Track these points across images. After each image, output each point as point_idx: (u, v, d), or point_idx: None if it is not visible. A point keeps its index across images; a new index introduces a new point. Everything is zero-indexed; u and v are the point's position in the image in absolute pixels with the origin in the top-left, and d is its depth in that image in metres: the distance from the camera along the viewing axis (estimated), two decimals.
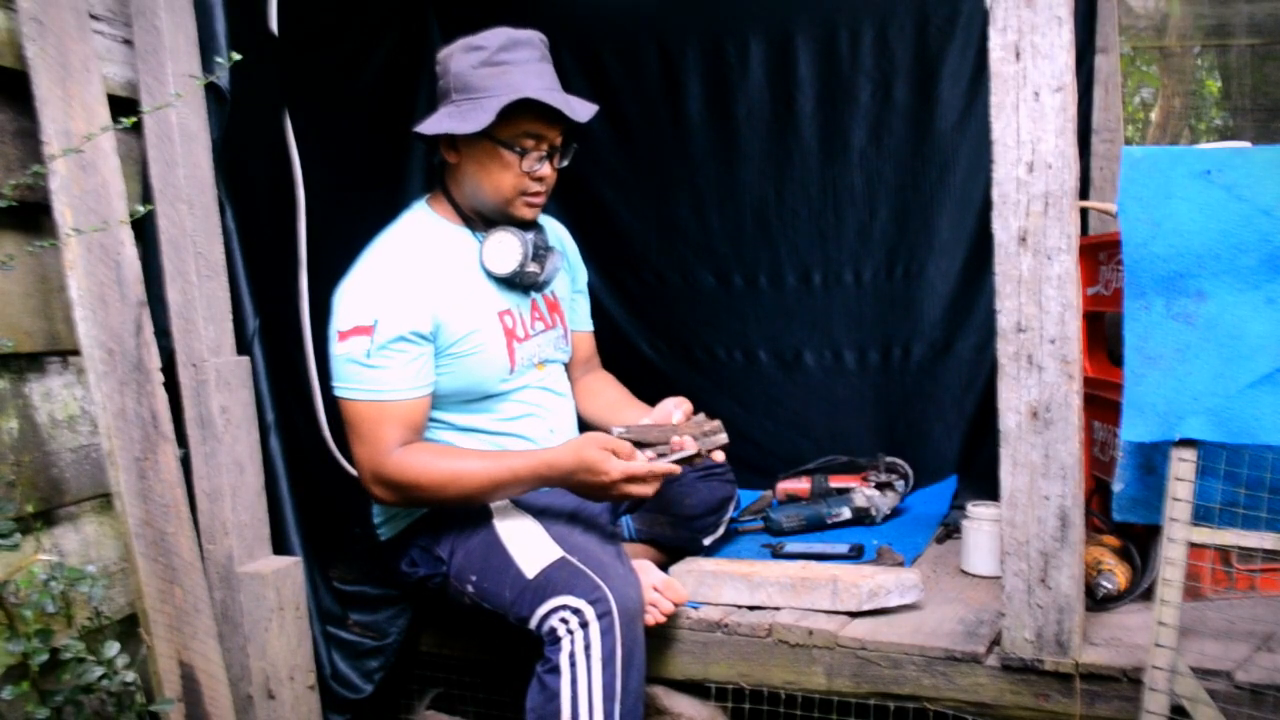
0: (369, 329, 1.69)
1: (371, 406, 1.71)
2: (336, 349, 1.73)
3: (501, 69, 1.73)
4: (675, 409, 1.86)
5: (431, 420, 1.84)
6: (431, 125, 1.77)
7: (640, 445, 1.75)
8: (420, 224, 1.86)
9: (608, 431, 1.77)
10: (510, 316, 1.86)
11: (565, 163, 1.85)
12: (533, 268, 1.84)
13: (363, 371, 1.70)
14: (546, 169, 1.80)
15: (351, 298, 1.73)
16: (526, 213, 1.83)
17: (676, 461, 1.74)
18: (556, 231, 2.08)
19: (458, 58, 1.76)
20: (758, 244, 2.76)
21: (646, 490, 1.69)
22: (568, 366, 2.09)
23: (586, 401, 2.09)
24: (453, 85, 1.76)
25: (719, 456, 1.81)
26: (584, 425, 2.06)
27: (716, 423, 1.83)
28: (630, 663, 1.58)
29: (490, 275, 1.84)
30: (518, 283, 1.85)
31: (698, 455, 1.77)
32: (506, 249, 1.82)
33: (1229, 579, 1.76)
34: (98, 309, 1.53)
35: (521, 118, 1.73)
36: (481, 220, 1.87)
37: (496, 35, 1.75)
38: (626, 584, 1.61)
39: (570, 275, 2.10)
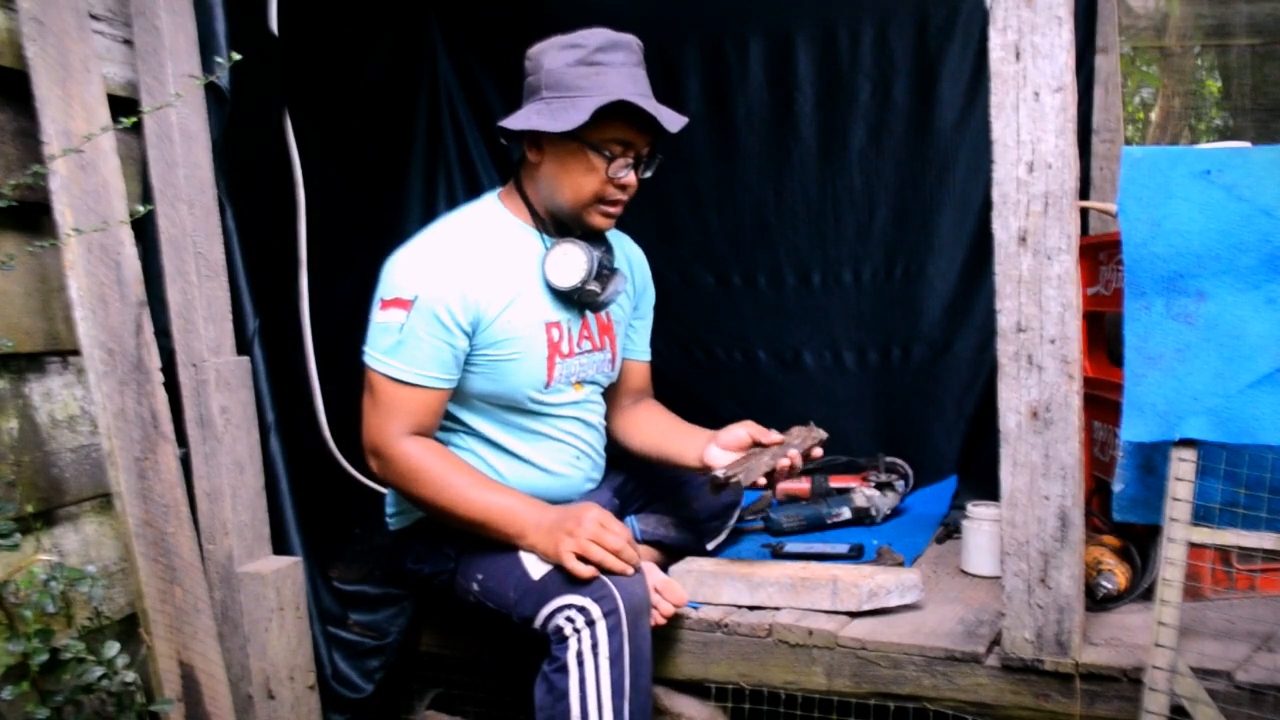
0: (408, 303, 1.67)
1: (391, 383, 1.69)
2: (376, 316, 1.71)
3: (597, 69, 1.68)
4: (746, 434, 1.84)
5: (460, 426, 1.83)
6: (520, 120, 1.72)
7: (731, 482, 1.73)
8: (488, 215, 1.83)
9: (692, 469, 1.84)
10: (558, 330, 1.81)
11: (649, 173, 1.80)
12: (594, 286, 1.78)
13: (392, 345, 1.68)
14: (631, 177, 1.75)
15: (400, 269, 1.71)
16: (601, 222, 1.78)
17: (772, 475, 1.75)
18: (628, 252, 2.03)
19: (551, 54, 1.71)
20: (757, 244, 2.76)
21: (610, 541, 1.61)
22: (615, 394, 2.03)
23: (636, 433, 2.01)
24: (544, 82, 1.71)
25: (817, 452, 1.81)
26: (629, 459, 2.03)
27: (807, 426, 1.83)
28: (639, 660, 1.57)
29: (548, 285, 1.79)
30: (575, 299, 1.80)
31: (791, 467, 1.78)
32: (571, 262, 1.76)
33: (1229, 579, 1.76)
34: (98, 309, 1.53)
35: (613, 122, 1.69)
36: (553, 223, 1.82)
37: (595, 35, 1.71)
38: (633, 581, 1.60)
39: (633, 299, 2.03)
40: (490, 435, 1.83)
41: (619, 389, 2.04)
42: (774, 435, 1.84)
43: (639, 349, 2.08)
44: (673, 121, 1.71)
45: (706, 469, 1.81)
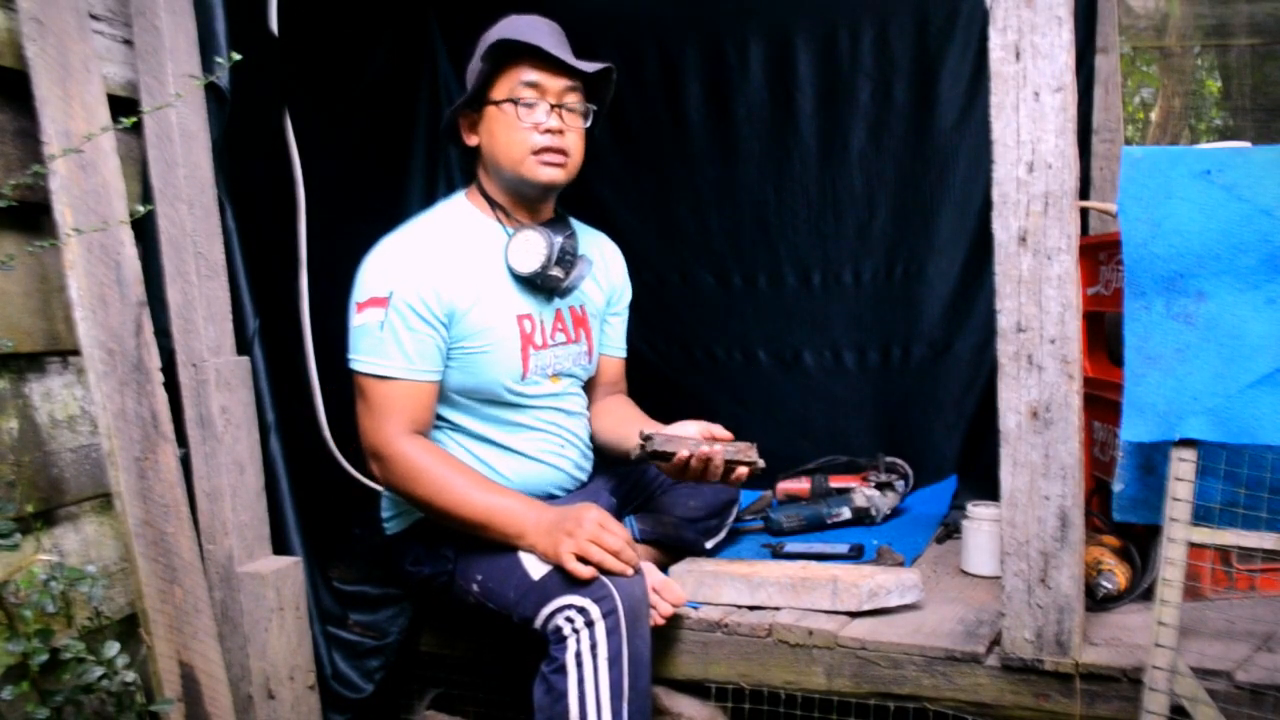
0: (384, 300, 1.70)
1: (381, 382, 1.71)
2: (354, 321, 1.74)
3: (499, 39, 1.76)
4: (696, 429, 1.81)
5: (443, 422, 1.84)
6: (448, 115, 1.83)
7: (659, 456, 1.73)
8: (453, 211, 1.87)
9: (627, 453, 1.78)
10: (530, 321, 1.83)
11: (588, 124, 1.84)
12: (556, 271, 1.80)
13: (375, 344, 1.71)
14: (554, 121, 1.77)
15: (371, 271, 1.75)
16: (545, 173, 1.78)
17: (696, 463, 1.72)
18: (603, 249, 2.06)
19: (475, 57, 1.81)
20: (757, 244, 2.76)
21: (610, 542, 1.60)
22: (590, 387, 2.05)
23: (600, 419, 2.03)
24: (468, 79, 1.82)
25: (741, 470, 1.77)
26: (594, 448, 2.04)
27: (750, 445, 1.80)
28: (637, 661, 1.57)
29: (513, 275, 1.82)
30: (540, 285, 1.83)
31: (742, 465, 1.75)
32: (531, 248, 1.79)
33: (1229, 579, 1.76)
34: (98, 309, 1.53)
35: (515, 68, 1.75)
36: (514, 205, 1.85)
37: (504, 20, 1.80)
38: (632, 582, 1.60)
39: (608, 294, 2.05)
40: (473, 429, 1.84)
41: (591, 383, 2.06)
42: (721, 431, 1.82)
43: (614, 345, 2.10)
44: (572, 57, 1.76)
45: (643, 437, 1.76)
